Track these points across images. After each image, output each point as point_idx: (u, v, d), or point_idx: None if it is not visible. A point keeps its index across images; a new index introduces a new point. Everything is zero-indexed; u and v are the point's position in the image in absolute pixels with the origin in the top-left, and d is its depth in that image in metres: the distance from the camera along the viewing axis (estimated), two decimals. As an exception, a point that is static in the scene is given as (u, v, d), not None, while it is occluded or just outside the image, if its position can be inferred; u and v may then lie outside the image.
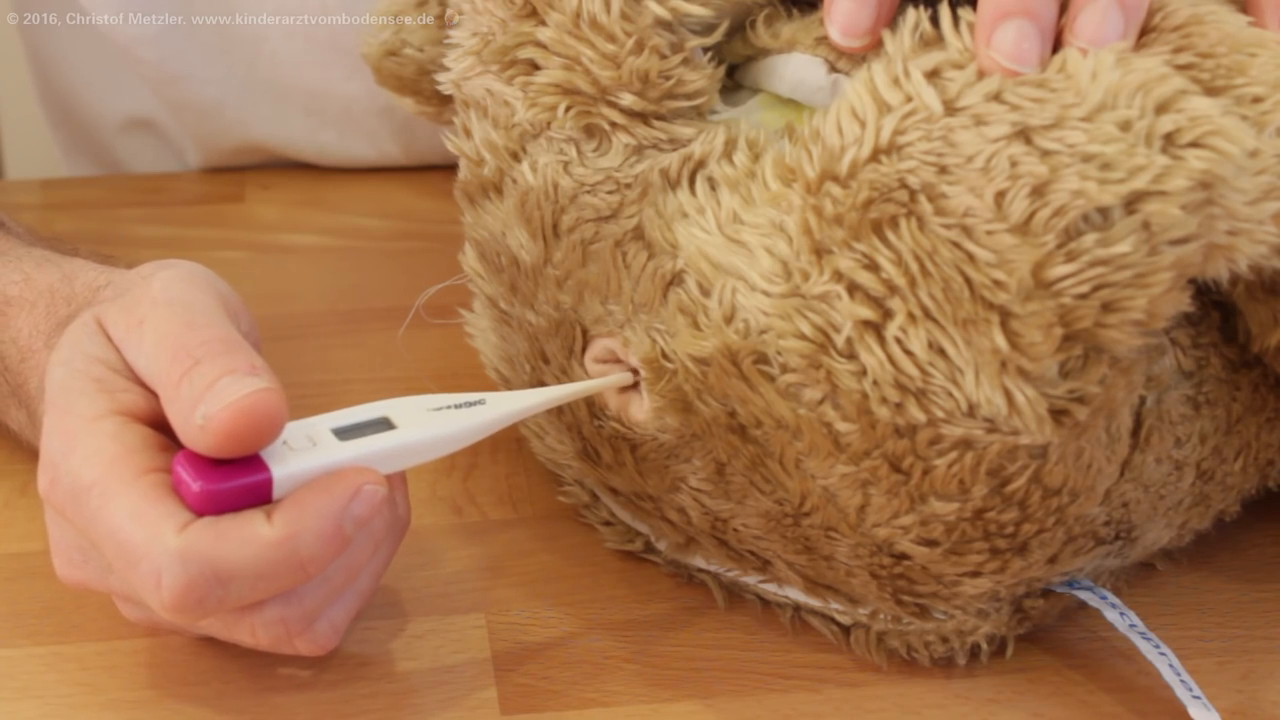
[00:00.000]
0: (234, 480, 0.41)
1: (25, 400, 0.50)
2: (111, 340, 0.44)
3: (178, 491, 0.41)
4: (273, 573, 0.41)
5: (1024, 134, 0.38)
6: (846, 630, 0.49)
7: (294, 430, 0.42)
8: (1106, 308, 0.38)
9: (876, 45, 0.42)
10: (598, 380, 0.47)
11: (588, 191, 0.46)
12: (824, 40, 0.44)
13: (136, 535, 0.40)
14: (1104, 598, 0.47)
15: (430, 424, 0.44)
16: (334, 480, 0.42)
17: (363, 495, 0.42)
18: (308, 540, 0.41)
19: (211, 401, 0.40)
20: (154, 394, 0.43)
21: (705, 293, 0.44)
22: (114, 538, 0.41)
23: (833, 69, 0.44)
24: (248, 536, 0.40)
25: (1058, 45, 0.40)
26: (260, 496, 0.41)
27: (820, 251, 0.41)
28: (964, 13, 0.41)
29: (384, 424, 0.44)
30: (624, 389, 0.47)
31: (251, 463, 0.41)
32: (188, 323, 0.43)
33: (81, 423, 0.42)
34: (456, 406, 0.45)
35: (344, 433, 0.43)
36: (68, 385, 0.43)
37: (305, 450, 0.42)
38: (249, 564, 0.40)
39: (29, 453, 0.56)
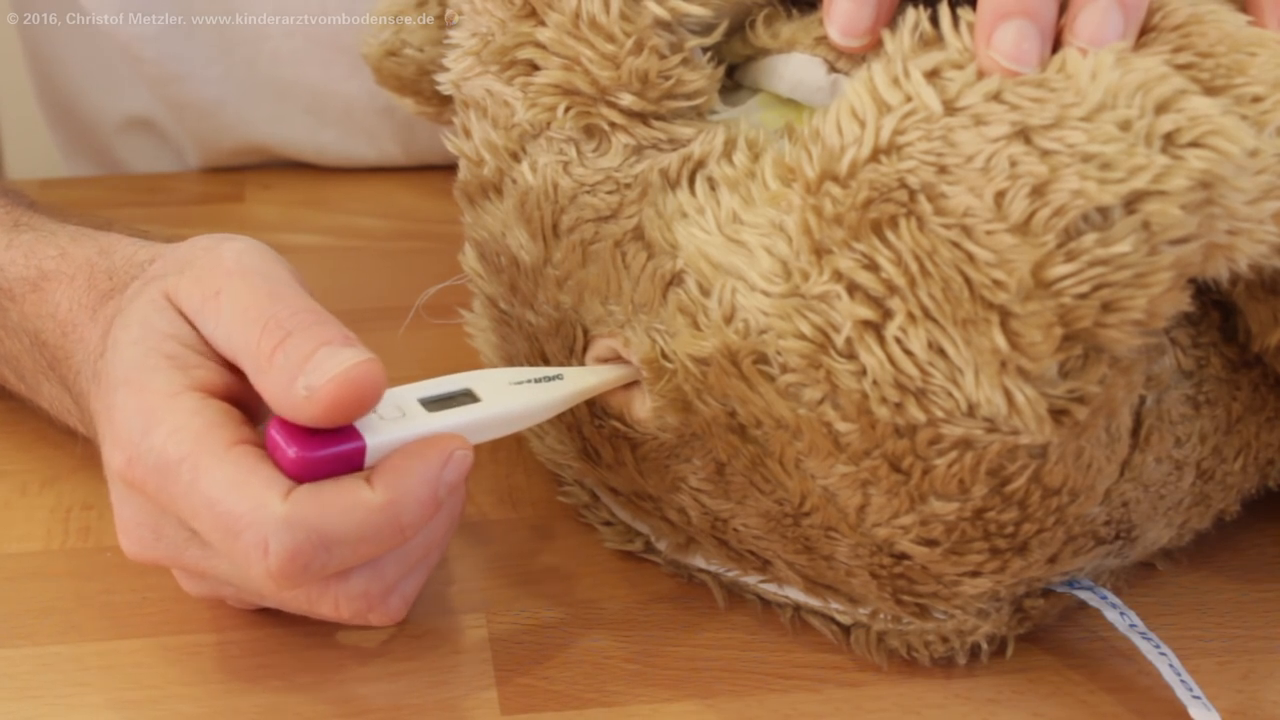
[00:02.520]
0: (330, 448, 0.42)
1: (65, 376, 0.49)
2: (184, 315, 0.44)
3: (272, 458, 0.42)
4: (375, 536, 0.41)
5: (1024, 134, 0.38)
6: (846, 630, 0.49)
7: (383, 400, 0.43)
8: (1106, 307, 0.38)
9: (876, 45, 0.42)
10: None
11: (587, 192, 0.46)
12: (823, 40, 0.44)
13: (239, 505, 0.40)
14: (1104, 597, 0.47)
15: (512, 398, 0.45)
16: (428, 446, 0.42)
17: (455, 460, 0.43)
18: (409, 504, 0.42)
19: (313, 373, 0.41)
20: (229, 367, 0.43)
21: (705, 293, 0.44)
22: (213, 510, 0.41)
23: (832, 69, 0.44)
24: (352, 502, 0.41)
25: (1058, 45, 0.40)
26: (353, 464, 0.42)
27: (820, 251, 0.41)
28: (964, 13, 0.41)
29: (468, 396, 0.45)
30: (627, 386, 0.47)
31: (344, 431, 0.42)
32: (270, 294, 0.43)
33: (160, 399, 0.42)
34: (535, 381, 0.45)
35: (430, 403, 0.44)
36: (141, 363, 0.43)
37: (395, 420, 0.43)
38: (353, 528, 0.41)
39: (38, 445, 0.56)
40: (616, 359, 0.47)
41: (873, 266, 0.40)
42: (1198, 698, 0.45)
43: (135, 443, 0.42)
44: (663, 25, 0.44)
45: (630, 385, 0.47)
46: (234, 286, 0.43)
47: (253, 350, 0.42)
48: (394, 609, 0.45)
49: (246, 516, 0.40)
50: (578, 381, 0.46)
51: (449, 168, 0.52)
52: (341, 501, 0.41)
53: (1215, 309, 0.46)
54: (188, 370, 0.43)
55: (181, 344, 0.43)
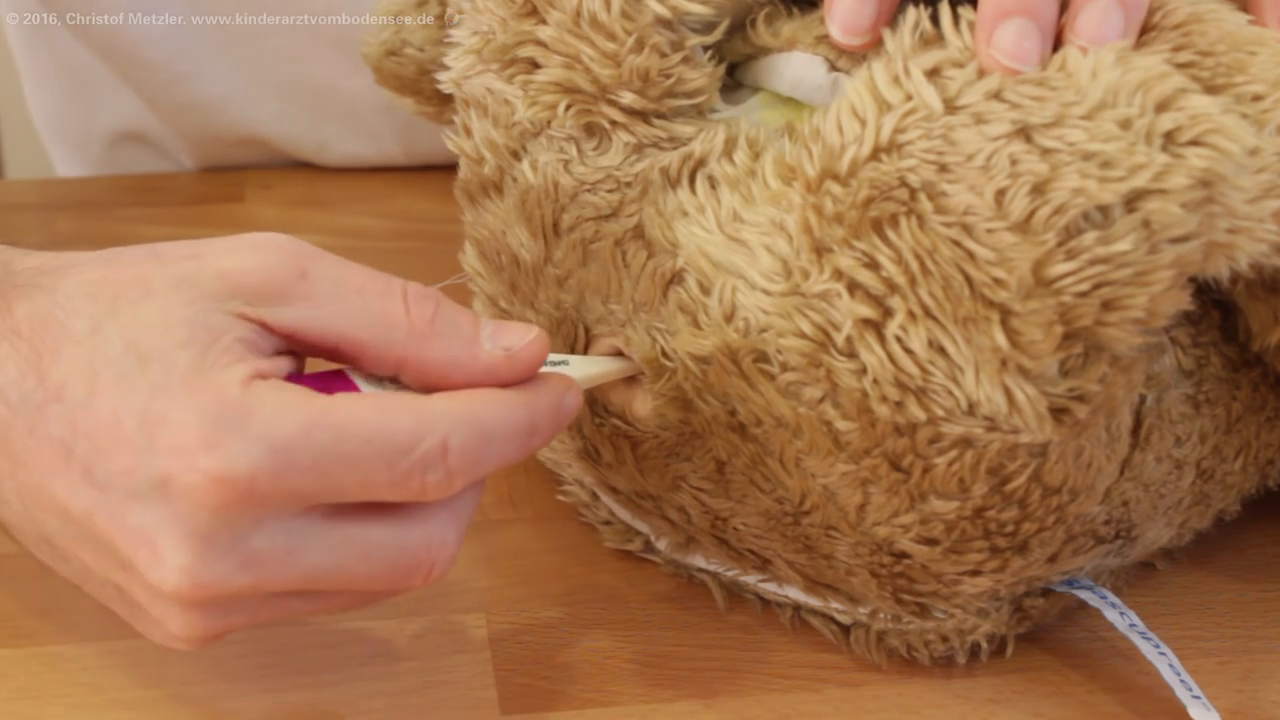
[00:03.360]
0: None
1: None
2: (247, 308, 0.41)
3: None
4: (516, 435, 0.41)
5: (1024, 132, 0.38)
6: (846, 630, 0.49)
7: None
8: (1107, 306, 0.38)
9: (877, 44, 0.42)
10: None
11: (588, 190, 0.46)
12: (824, 39, 0.44)
13: (401, 421, 0.39)
14: (1104, 597, 0.47)
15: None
16: (549, 376, 0.43)
17: (572, 392, 0.43)
18: (541, 410, 0.42)
19: (503, 336, 0.42)
20: (287, 352, 0.41)
21: (705, 291, 0.44)
22: (373, 443, 0.39)
23: (833, 67, 0.44)
24: (498, 396, 0.41)
25: (1058, 44, 0.40)
26: None
27: (820, 250, 0.41)
28: (964, 11, 0.41)
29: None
30: (628, 384, 0.47)
31: None
32: (360, 267, 0.42)
33: (243, 393, 0.39)
34: (543, 367, 0.45)
35: None
36: (199, 365, 0.39)
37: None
38: (503, 422, 0.41)
39: None
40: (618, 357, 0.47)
41: (873, 265, 0.40)
42: (1197, 698, 0.45)
43: (230, 439, 0.38)
44: (664, 23, 0.44)
45: (631, 384, 0.47)
46: (322, 264, 0.41)
47: (400, 319, 0.41)
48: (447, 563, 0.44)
49: (416, 427, 0.39)
50: (583, 369, 0.46)
51: (449, 168, 0.52)
52: (490, 396, 0.41)
53: (1215, 308, 0.46)
54: (247, 361, 0.40)
55: (237, 339, 0.40)
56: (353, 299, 0.41)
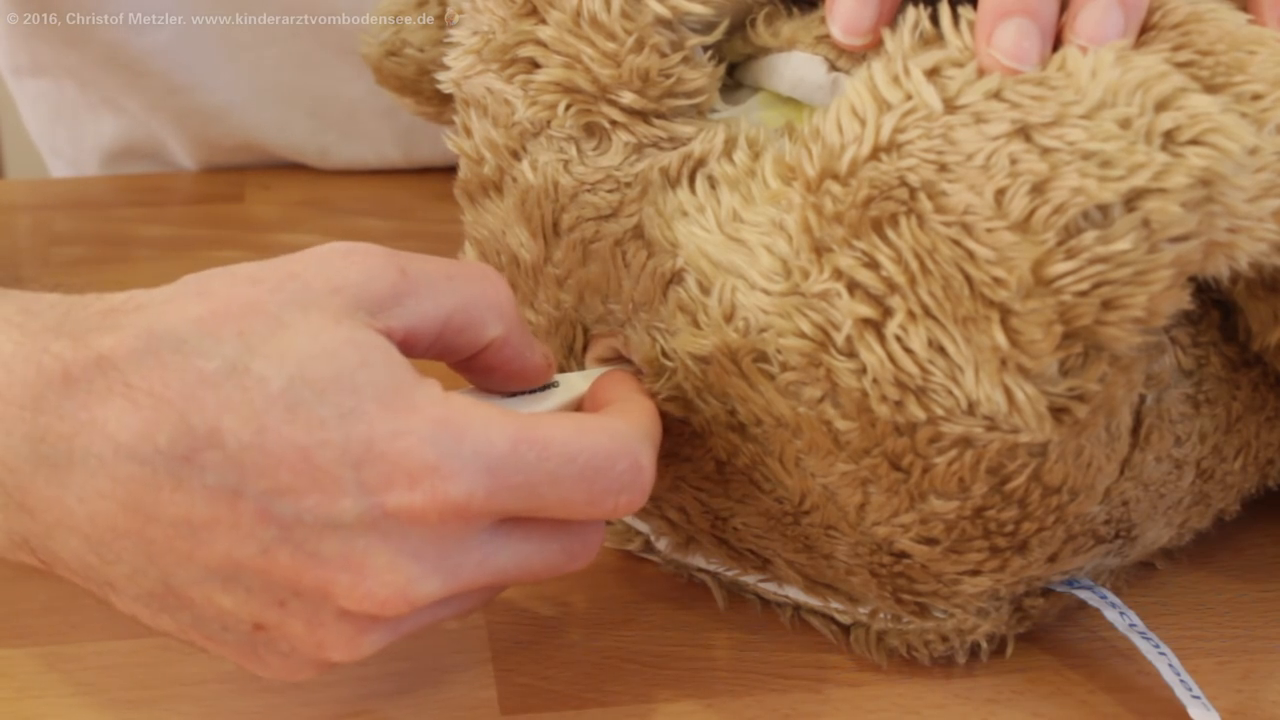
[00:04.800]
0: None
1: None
2: (371, 319, 0.40)
3: None
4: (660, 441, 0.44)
5: (1024, 132, 0.38)
6: (846, 630, 0.49)
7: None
8: (1106, 305, 0.38)
9: (877, 43, 0.42)
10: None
11: (588, 190, 0.46)
12: (824, 39, 0.44)
13: (598, 441, 0.40)
14: (1104, 597, 0.47)
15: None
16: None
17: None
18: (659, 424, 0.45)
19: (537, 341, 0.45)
20: (425, 347, 0.42)
21: (705, 291, 0.44)
22: (577, 461, 0.39)
23: (833, 67, 0.44)
24: (654, 413, 0.45)
25: (1058, 43, 0.40)
26: None
27: (820, 249, 0.41)
28: (964, 11, 0.41)
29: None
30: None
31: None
32: (442, 259, 0.43)
33: (446, 408, 0.39)
34: (531, 392, 0.45)
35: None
36: (391, 382, 0.39)
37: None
38: (659, 423, 0.44)
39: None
40: (617, 358, 0.47)
41: (873, 264, 0.40)
42: (1197, 698, 0.45)
43: (448, 461, 0.38)
44: (664, 23, 0.44)
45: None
46: (412, 260, 0.41)
47: (493, 298, 0.42)
48: None
49: (611, 446, 0.40)
50: (575, 388, 0.46)
51: (449, 169, 0.52)
52: (652, 412, 0.44)
53: (1215, 308, 0.46)
54: (425, 377, 0.40)
55: (395, 349, 0.40)
56: (446, 285, 0.41)
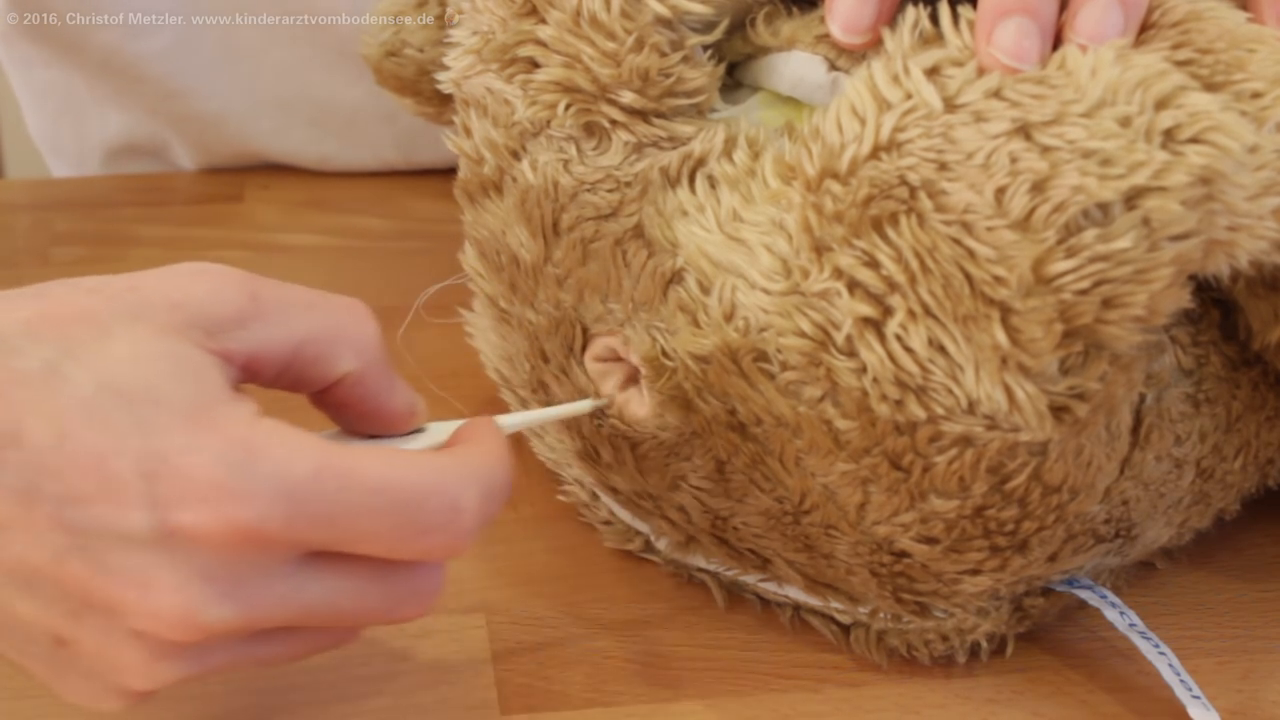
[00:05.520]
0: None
1: None
2: (207, 339, 0.39)
3: None
4: (505, 492, 0.41)
5: (1024, 130, 0.38)
6: (846, 629, 0.49)
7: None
8: (1107, 304, 0.38)
9: (877, 43, 0.42)
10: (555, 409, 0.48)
11: (588, 190, 0.46)
12: (824, 38, 0.44)
13: (412, 475, 0.38)
14: (1104, 597, 0.47)
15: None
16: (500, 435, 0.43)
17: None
18: (502, 472, 0.41)
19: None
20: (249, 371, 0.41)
21: (705, 291, 0.44)
22: (386, 493, 0.38)
23: (832, 67, 0.44)
24: (498, 456, 0.41)
25: (1058, 42, 0.40)
26: None
27: (820, 249, 0.41)
28: (964, 10, 0.41)
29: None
30: (623, 387, 0.47)
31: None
32: (308, 290, 0.42)
33: (250, 430, 0.37)
34: (400, 436, 0.43)
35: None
36: (195, 400, 0.38)
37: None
38: (503, 483, 0.40)
39: None
40: (613, 358, 0.47)
41: (873, 264, 0.40)
42: (1197, 697, 0.45)
43: (240, 481, 0.37)
44: (664, 23, 0.44)
45: (629, 384, 0.47)
46: (267, 286, 0.40)
47: (353, 333, 0.41)
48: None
49: (425, 482, 0.38)
50: (441, 435, 0.44)
51: (449, 170, 0.52)
52: (493, 454, 0.41)
53: (1215, 307, 0.46)
54: (243, 399, 0.39)
55: (220, 371, 0.39)
56: (302, 313, 0.40)
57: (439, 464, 0.39)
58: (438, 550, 0.39)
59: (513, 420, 0.45)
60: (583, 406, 0.47)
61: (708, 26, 0.45)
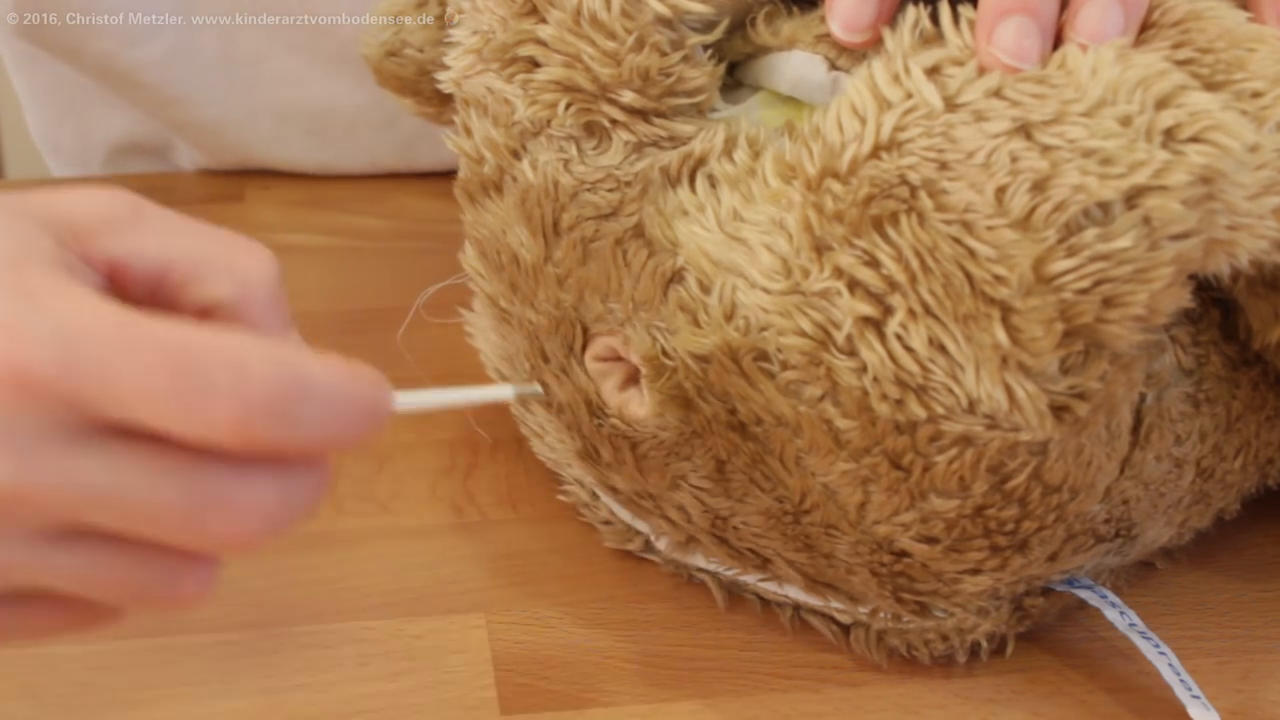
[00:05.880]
0: None
1: None
2: (71, 239, 0.38)
3: None
4: (346, 409, 0.36)
5: (1024, 129, 0.38)
6: (846, 629, 0.49)
7: None
8: (1107, 303, 0.38)
9: (877, 42, 0.42)
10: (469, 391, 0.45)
11: (588, 189, 0.46)
12: (824, 38, 0.44)
13: (200, 336, 0.35)
14: (1104, 596, 0.47)
15: None
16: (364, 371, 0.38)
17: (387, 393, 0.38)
18: (364, 391, 0.37)
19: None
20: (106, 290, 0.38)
21: (705, 290, 0.44)
22: (168, 347, 0.35)
23: (833, 66, 0.44)
24: (329, 360, 0.36)
25: (1058, 42, 0.40)
26: None
27: (820, 248, 0.41)
28: (964, 10, 0.41)
29: None
30: (623, 386, 0.47)
31: None
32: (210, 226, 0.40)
33: (40, 279, 0.36)
34: None
35: None
36: (17, 261, 0.36)
37: None
38: (327, 382, 0.36)
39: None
40: (614, 358, 0.47)
41: (873, 263, 0.40)
42: (1197, 697, 0.45)
43: (15, 318, 0.35)
44: (664, 22, 0.44)
45: (629, 384, 0.47)
46: (160, 210, 0.39)
47: (239, 265, 0.38)
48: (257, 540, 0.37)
49: (214, 342, 0.35)
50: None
51: (449, 171, 0.52)
52: (321, 358, 0.36)
53: (1215, 307, 0.46)
54: (73, 269, 0.37)
55: (56, 256, 0.37)
56: (188, 236, 0.38)
57: (241, 338, 0.35)
58: (226, 423, 0.35)
59: (414, 399, 0.40)
60: (504, 392, 0.46)
61: (708, 26, 0.45)
